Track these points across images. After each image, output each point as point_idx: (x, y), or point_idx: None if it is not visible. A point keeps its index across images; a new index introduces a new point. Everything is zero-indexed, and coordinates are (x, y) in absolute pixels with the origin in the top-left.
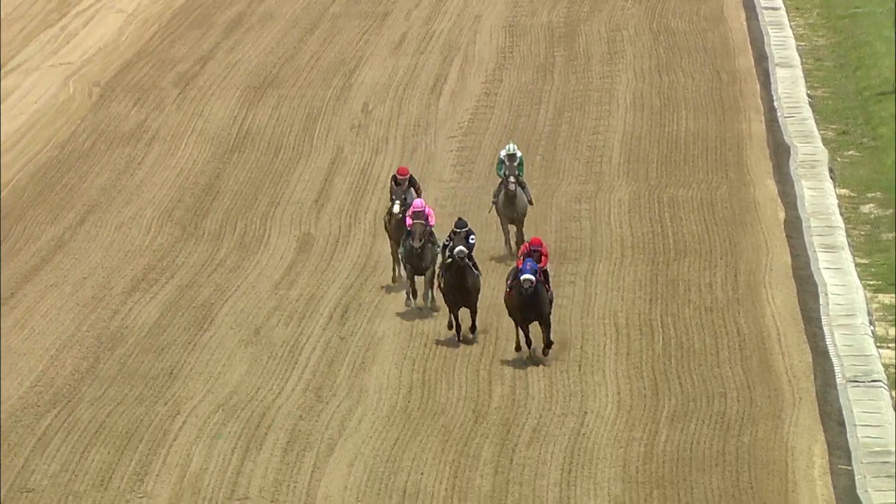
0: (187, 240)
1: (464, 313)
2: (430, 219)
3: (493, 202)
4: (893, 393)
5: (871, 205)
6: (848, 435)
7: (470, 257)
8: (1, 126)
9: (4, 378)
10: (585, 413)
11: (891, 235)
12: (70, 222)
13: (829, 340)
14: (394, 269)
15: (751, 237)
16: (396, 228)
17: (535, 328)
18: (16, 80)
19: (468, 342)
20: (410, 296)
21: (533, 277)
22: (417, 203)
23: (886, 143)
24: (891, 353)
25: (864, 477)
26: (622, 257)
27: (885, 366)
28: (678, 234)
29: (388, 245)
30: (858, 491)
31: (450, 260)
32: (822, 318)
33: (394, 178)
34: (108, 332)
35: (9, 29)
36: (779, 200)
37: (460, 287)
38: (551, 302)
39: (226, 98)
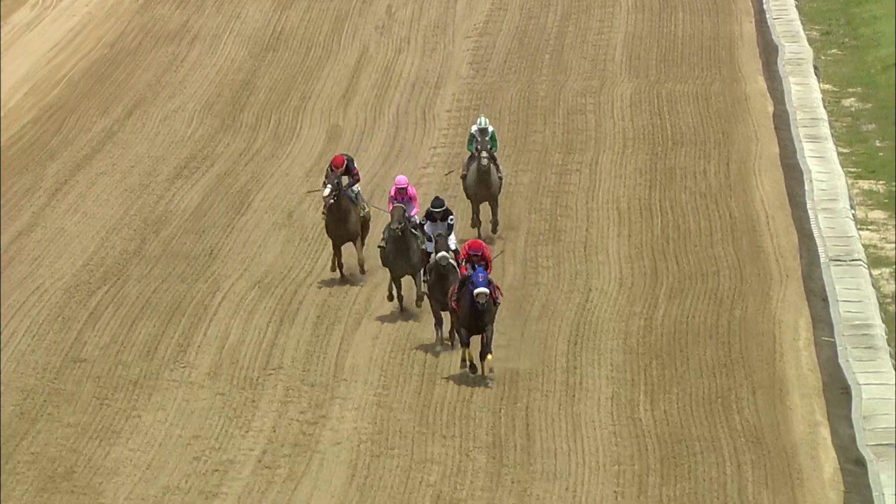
0: (226, 131)
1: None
2: (414, 203)
3: (462, 175)
4: (872, 271)
5: (852, 99)
6: (830, 310)
7: (456, 254)
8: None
9: (59, 258)
10: (590, 290)
11: (871, 127)
12: (119, 115)
13: (813, 223)
14: (334, 263)
15: (742, 129)
16: (336, 225)
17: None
18: None
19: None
20: (396, 298)
21: (487, 290)
22: (401, 180)
23: (866, 42)
24: (870, 234)
25: (846, 348)
26: (624, 147)
27: (865, 246)
28: (675, 126)
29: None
30: (840, 360)
31: (432, 263)
32: (807, 202)
33: (329, 168)
34: (153, 215)
35: None
36: (768, 95)
37: (443, 289)
38: (497, 306)
39: (261, 1)
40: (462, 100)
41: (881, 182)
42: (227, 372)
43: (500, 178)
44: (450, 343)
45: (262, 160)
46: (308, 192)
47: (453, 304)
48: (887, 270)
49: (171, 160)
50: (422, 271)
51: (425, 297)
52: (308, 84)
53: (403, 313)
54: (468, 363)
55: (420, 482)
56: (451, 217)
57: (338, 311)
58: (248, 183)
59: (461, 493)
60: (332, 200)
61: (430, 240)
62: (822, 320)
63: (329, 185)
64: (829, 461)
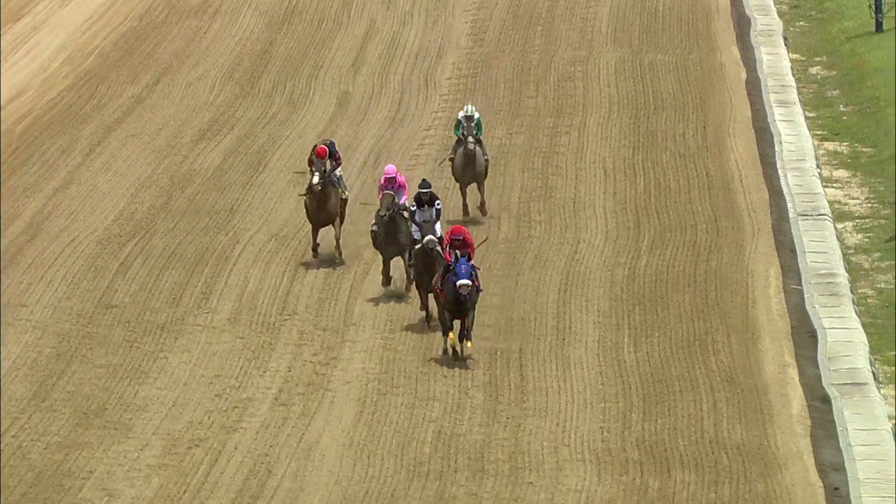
0: (245, 97)
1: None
2: (403, 190)
3: (451, 158)
4: (837, 225)
5: (818, 67)
6: (798, 260)
7: (441, 240)
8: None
9: (92, 213)
10: (578, 242)
11: (835, 93)
12: (147, 82)
13: (782, 181)
14: (314, 249)
15: (717, 95)
16: (316, 209)
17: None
18: None
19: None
20: (389, 279)
21: (470, 282)
22: (390, 169)
23: (831, 15)
24: (835, 191)
25: (812, 295)
26: (609, 111)
27: (830, 202)
28: (656, 92)
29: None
30: (807, 306)
31: (419, 246)
32: (777, 162)
33: (311, 158)
34: (178, 174)
35: None
36: (741, 63)
37: (429, 273)
38: (478, 293)
39: None
40: (461, 68)
41: (845, 143)
42: (247, 317)
43: (486, 161)
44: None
45: (278, 123)
46: (295, 172)
47: (437, 289)
48: (850, 224)
49: (195, 123)
50: (408, 255)
51: (413, 282)
52: (320, 54)
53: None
54: (450, 350)
55: (423, 418)
56: (437, 202)
57: (348, 262)
58: (266, 144)
59: (461, 428)
60: (319, 188)
61: (418, 227)
62: (790, 270)
63: (317, 173)
64: (796, 398)
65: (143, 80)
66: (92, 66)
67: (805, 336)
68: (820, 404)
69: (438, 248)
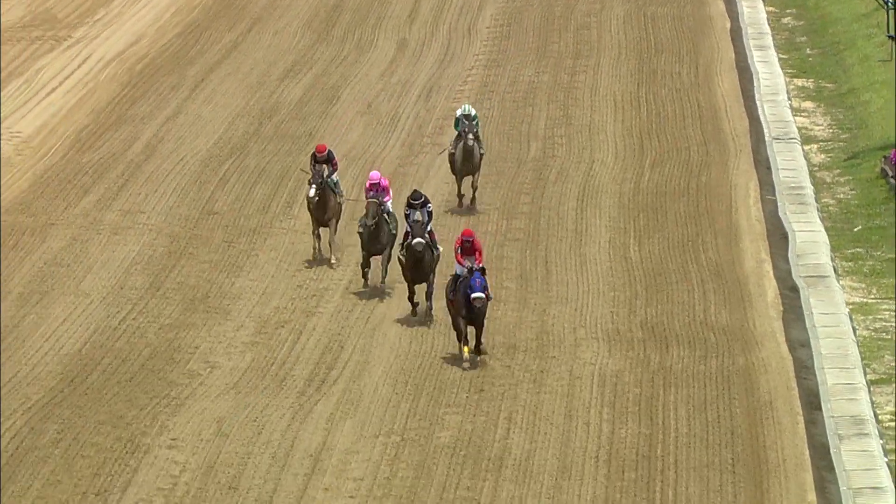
0: (320, 43)
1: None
2: (387, 193)
3: (451, 152)
4: (804, 147)
5: (789, 17)
6: (773, 175)
7: (431, 233)
8: None
9: (197, 137)
10: (593, 161)
11: (803, 38)
12: (241, 30)
13: (760, 111)
14: (314, 247)
15: (707, 40)
16: (317, 208)
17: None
18: None
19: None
20: (366, 276)
21: (483, 295)
22: (374, 175)
23: None
24: (802, 119)
25: (784, 204)
26: (619, 54)
27: (799, 128)
28: (657, 38)
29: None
30: (780, 213)
31: (407, 243)
32: (756, 95)
33: (313, 155)
34: (267, 105)
35: None
36: (726, 15)
37: (417, 269)
38: (489, 301)
39: None
40: (498, 19)
41: (811, 80)
42: None
43: (482, 155)
44: (428, 312)
45: (348, 64)
46: (301, 169)
47: (449, 299)
48: (815, 146)
49: (280, 64)
50: (387, 253)
51: (403, 275)
52: (382, 7)
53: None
54: (467, 358)
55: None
56: (429, 205)
57: (405, 177)
58: (338, 81)
59: (497, 312)
60: (317, 199)
61: (410, 228)
62: (766, 183)
63: (313, 185)
64: (771, 288)
65: (238, 28)
66: (197, 18)
67: (778, 237)
68: (790, 293)
69: (429, 246)
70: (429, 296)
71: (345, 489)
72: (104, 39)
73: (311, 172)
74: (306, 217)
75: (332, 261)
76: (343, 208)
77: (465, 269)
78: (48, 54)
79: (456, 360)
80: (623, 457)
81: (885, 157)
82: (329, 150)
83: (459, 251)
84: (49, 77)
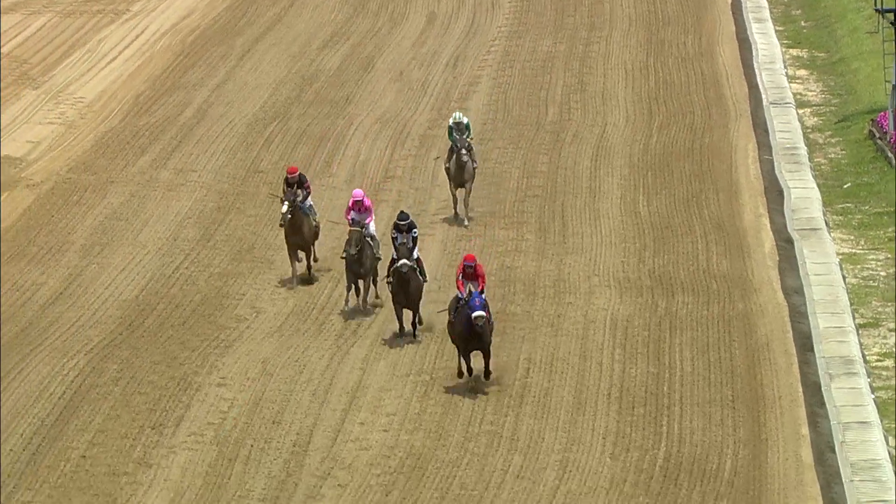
0: (356, 16)
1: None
2: (369, 213)
3: (446, 168)
4: (798, 111)
5: None
6: (770, 137)
7: (419, 262)
8: None
9: (244, 102)
10: (605, 125)
11: (798, 11)
12: (284, 4)
13: (758, 78)
14: (292, 272)
15: (709, 13)
16: (291, 232)
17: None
18: None
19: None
20: (349, 298)
21: (484, 314)
22: (357, 193)
23: None
24: (797, 86)
25: (780, 163)
26: (629, 26)
27: (794, 94)
28: (664, 11)
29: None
30: (776, 171)
31: (394, 268)
32: (754, 64)
33: (285, 178)
34: (308, 73)
35: None
36: None
37: (404, 292)
38: (492, 330)
39: None
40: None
41: (805, 50)
42: (358, 180)
43: (475, 168)
44: (413, 336)
45: (383, 35)
46: (270, 194)
47: (450, 320)
48: (808, 110)
49: (320, 35)
50: (386, 273)
51: (392, 299)
52: None
53: (482, 133)
54: (467, 374)
55: (490, 254)
56: (415, 230)
57: (434, 139)
58: (373, 51)
59: (518, 261)
60: (289, 216)
61: (395, 250)
62: (764, 144)
63: (286, 203)
64: (768, 240)
65: (281, 2)
66: None
67: (774, 193)
68: (785, 244)
69: (415, 268)
70: (415, 326)
71: (379, 423)
72: (160, 13)
73: (282, 196)
74: (344, 173)
75: (309, 274)
76: (319, 231)
77: (465, 292)
78: (109, 26)
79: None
80: (633, 394)
81: (872, 120)
82: (301, 174)
83: (461, 277)
84: (109, 47)
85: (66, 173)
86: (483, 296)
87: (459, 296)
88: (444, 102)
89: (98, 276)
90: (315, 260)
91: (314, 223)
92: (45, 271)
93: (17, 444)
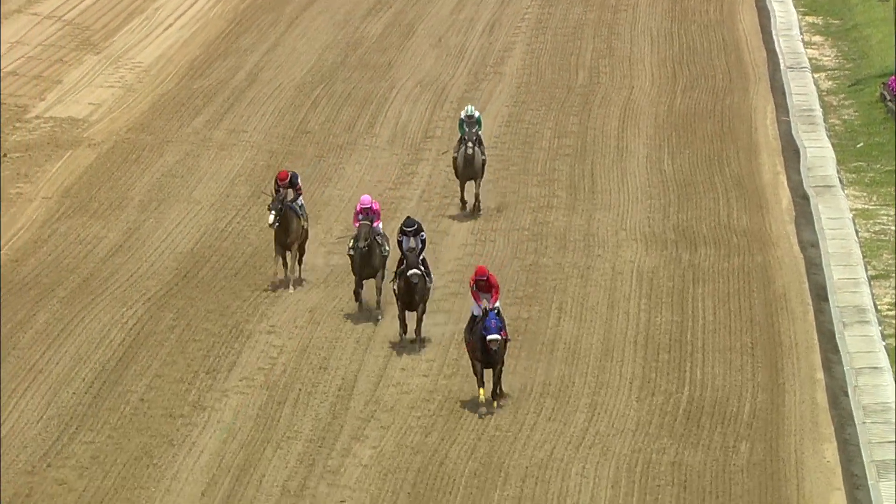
0: None
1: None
2: (377, 217)
3: (454, 158)
4: (814, 75)
5: None
6: (787, 99)
7: (424, 262)
8: None
9: (293, 66)
10: (632, 87)
11: None
12: None
13: (776, 44)
14: (275, 272)
15: None
16: (279, 232)
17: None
18: None
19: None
20: (360, 299)
21: (499, 337)
22: (365, 199)
23: None
24: (812, 51)
25: (796, 124)
26: None
27: (809, 59)
28: None
29: None
30: (793, 132)
31: (402, 270)
32: (773, 30)
33: (275, 181)
34: (353, 39)
35: None
36: None
37: (409, 296)
38: (507, 343)
39: None
40: None
41: (820, 17)
42: (400, 140)
43: (484, 161)
44: (416, 339)
45: (423, 4)
46: (262, 192)
47: (467, 341)
48: (823, 74)
49: (364, 4)
50: (380, 275)
51: (396, 301)
52: None
53: (516, 95)
54: (483, 402)
55: (523, 209)
56: (422, 234)
57: (472, 101)
58: (414, 19)
59: (549, 217)
60: (277, 224)
61: (404, 256)
62: (781, 106)
63: (273, 212)
64: (785, 197)
65: None
66: None
67: (791, 152)
68: (801, 200)
69: (423, 276)
70: (419, 325)
71: (419, 369)
72: None
73: (272, 196)
74: (387, 133)
75: (293, 282)
76: (307, 232)
77: (481, 311)
78: None
79: (514, 259)
80: (658, 341)
81: (884, 83)
82: (292, 176)
83: (475, 289)
84: (166, 14)
85: (125, 133)
86: (498, 315)
87: (475, 314)
88: (481, 67)
89: (155, 230)
90: (300, 263)
91: (304, 224)
92: (106, 225)
93: (80, 388)
